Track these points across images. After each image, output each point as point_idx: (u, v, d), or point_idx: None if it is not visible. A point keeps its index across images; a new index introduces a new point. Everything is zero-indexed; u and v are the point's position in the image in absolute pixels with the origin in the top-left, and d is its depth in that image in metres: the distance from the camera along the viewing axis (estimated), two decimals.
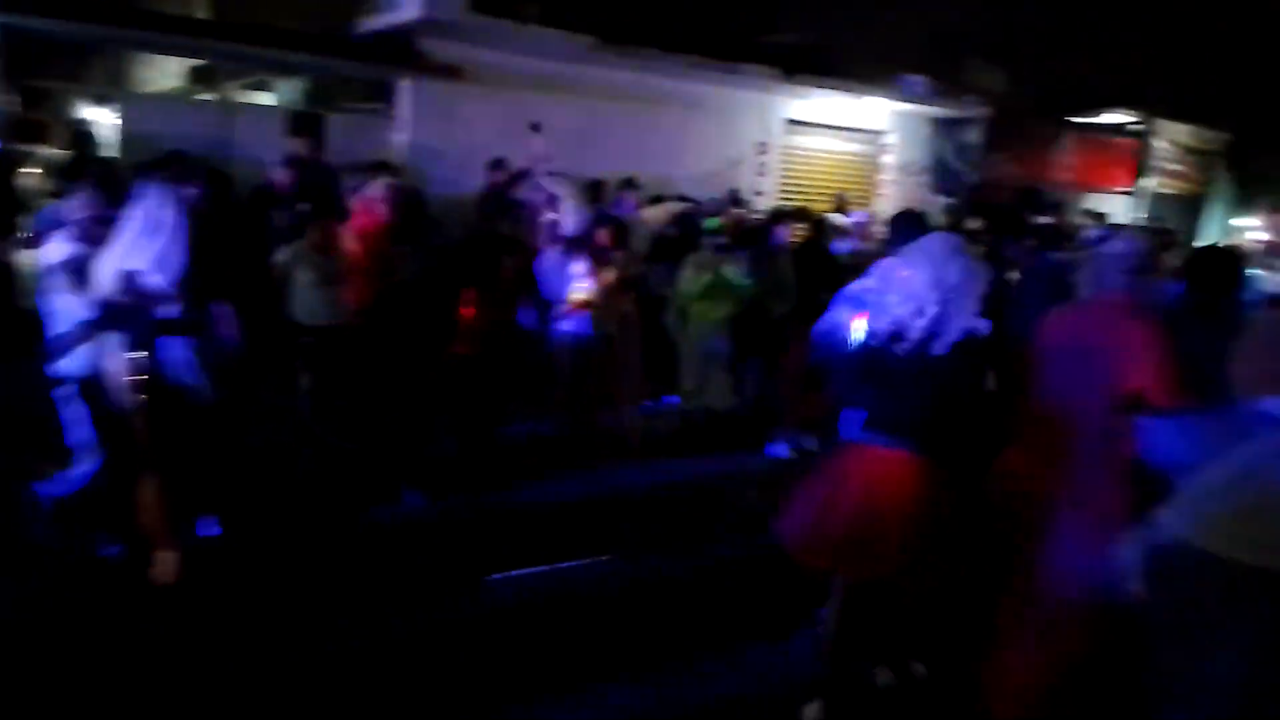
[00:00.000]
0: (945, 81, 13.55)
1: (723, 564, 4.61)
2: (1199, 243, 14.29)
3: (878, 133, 13.25)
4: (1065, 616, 2.97)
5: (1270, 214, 15.03)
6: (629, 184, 8.62)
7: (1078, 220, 11.09)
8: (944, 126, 13.70)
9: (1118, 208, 15.49)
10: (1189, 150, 18.60)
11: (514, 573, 4.32)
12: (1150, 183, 17.25)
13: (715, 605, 4.18)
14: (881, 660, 3.55)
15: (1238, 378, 2.23)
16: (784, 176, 12.28)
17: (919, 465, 2.95)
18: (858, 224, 9.23)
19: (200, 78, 12.00)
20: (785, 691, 3.47)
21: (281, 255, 5.24)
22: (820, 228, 7.39)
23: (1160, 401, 2.74)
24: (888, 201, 13.04)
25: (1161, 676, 2.15)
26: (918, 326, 2.92)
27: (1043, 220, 9.56)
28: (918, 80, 13.07)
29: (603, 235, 5.95)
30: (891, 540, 2.91)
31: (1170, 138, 17.91)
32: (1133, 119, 17.51)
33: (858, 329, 3.34)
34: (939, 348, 2.91)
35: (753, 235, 7.31)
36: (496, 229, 6.39)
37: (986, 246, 6.71)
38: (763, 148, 11.91)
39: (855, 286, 3.76)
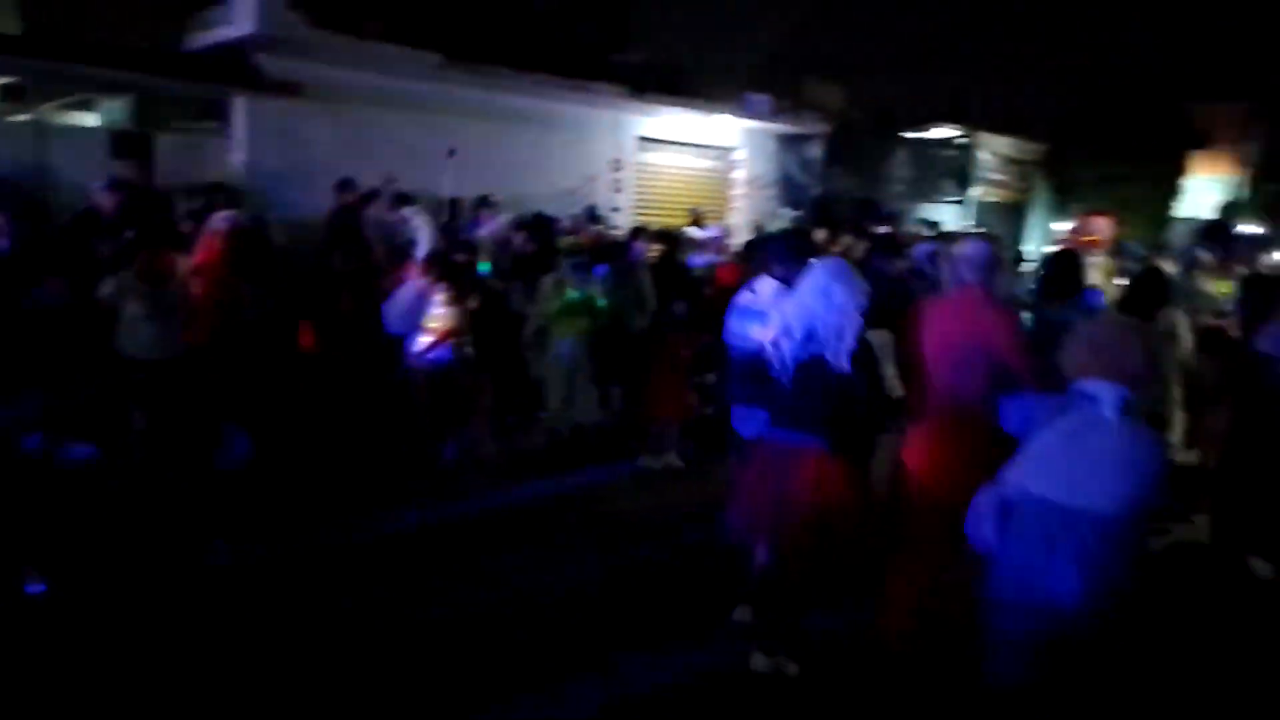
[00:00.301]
0: (787, 99, 14.15)
1: (592, 578, 4.61)
2: (1023, 247, 15.46)
3: (727, 149, 13.67)
4: (946, 555, 3.42)
5: (1081, 217, 16.38)
6: (485, 203, 8.55)
7: (913, 229, 11.78)
8: (788, 142, 14.30)
9: (948, 216, 16.54)
10: (1010, 161, 20.12)
11: (371, 603, 4.18)
12: (976, 192, 18.54)
13: (588, 620, 4.17)
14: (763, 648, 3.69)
15: (1066, 365, 2.81)
16: (639, 192, 12.48)
17: (823, 455, 3.43)
18: (712, 238, 9.48)
19: (12, 96, 11.05)
20: (658, 701, 3.51)
21: (107, 286, 4.90)
22: (675, 243, 7.54)
23: (1020, 373, 3.40)
24: (739, 215, 13.47)
25: (1003, 593, 2.78)
26: (821, 339, 3.36)
27: (881, 230, 10.09)
28: (762, 98, 13.58)
29: (463, 259, 5.89)
30: (806, 516, 3.39)
31: (993, 150, 19.31)
32: (959, 133, 18.80)
33: (760, 340, 3.68)
34: (838, 357, 3.34)
35: (611, 251, 7.39)
36: (332, 264, 6.18)
37: (859, 262, 7.03)
38: (617, 164, 12.07)
39: (748, 299, 4.27)
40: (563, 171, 11.14)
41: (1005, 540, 2.77)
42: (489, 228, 8.20)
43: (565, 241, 7.37)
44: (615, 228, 10.75)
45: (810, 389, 3.39)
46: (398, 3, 10.56)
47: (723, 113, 13.03)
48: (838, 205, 13.63)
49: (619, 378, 7.01)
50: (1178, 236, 20.65)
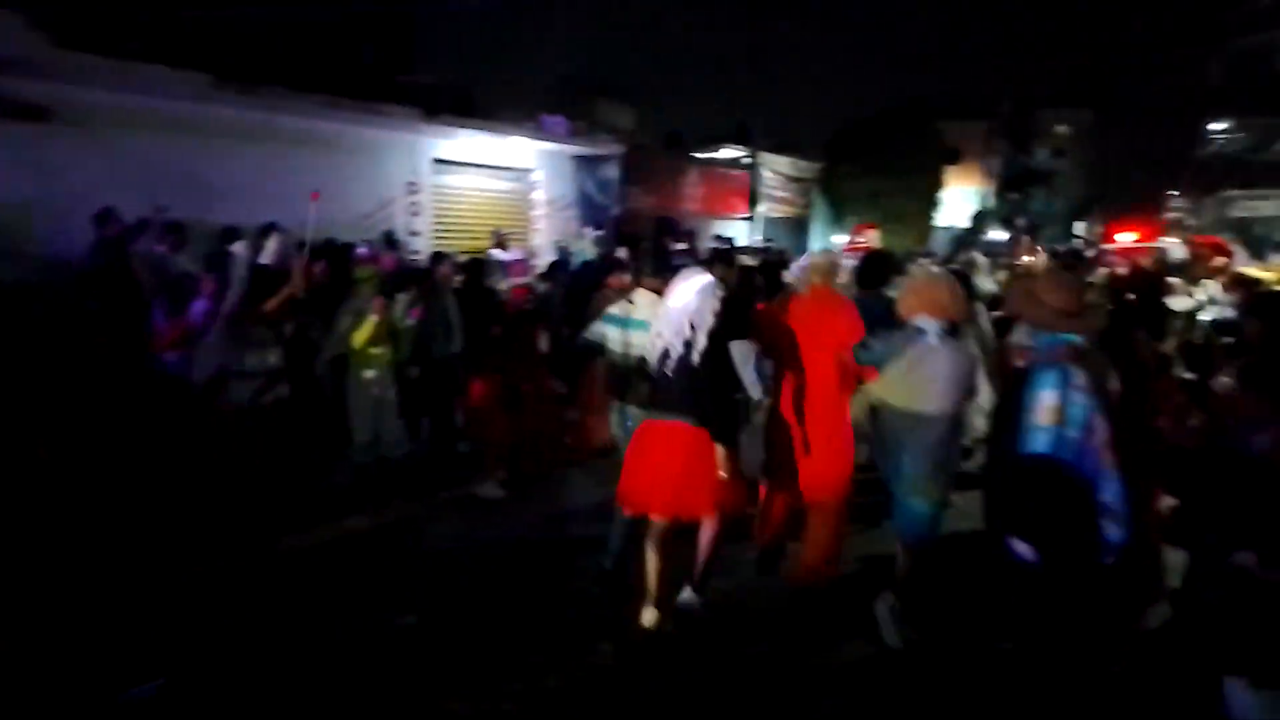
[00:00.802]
0: (581, 121, 14.37)
1: (409, 613, 4.42)
2: (805, 258, 16.49)
3: (525, 170, 13.67)
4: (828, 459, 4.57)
5: (856, 229, 17.73)
6: (272, 229, 8.05)
7: (709, 244, 12.26)
8: (585, 163, 14.50)
9: (739, 231, 17.38)
10: (790, 179, 21.48)
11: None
12: (762, 208, 19.62)
13: (410, 661, 3.99)
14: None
15: (900, 308, 4.08)
16: (438, 216, 12.22)
17: (692, 431, 4.04)
18: (515, 261, 9.42)
19: None
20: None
21: None
22: (478, 267, 7.43)
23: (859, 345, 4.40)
24: (541, 236, 13.49)
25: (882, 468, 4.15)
26: (680, 341, 4.04)
27: (679, 246, 10.43)
28: (557, 120, 13.71)
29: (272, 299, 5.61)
30: (674, 482, 4.06)
31: (774, 168, 20.53)
32: (743, 153, 19.86)
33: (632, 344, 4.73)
34: (698, 354, 4.00)
35: (413, 277, 7.17)
36: (90, 304, 5.63)
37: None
38: (413, 187, 11.76)
39: (625, 308, 4.96)
40: (355, 196, 10.69)
41: (874, 435, 4.17)
42: (269, 252, 7.77)
43: (363, 270, 7.05)
44: (415, 252, 10.45)
45: (678, 379, 4.06)
46: (160, 22, 9.81)
47: (519, 134, 13.02)
48: (637, 223, 13.97)
49: (426, 408, 6.80)
50: (938, 243, 22.75)
